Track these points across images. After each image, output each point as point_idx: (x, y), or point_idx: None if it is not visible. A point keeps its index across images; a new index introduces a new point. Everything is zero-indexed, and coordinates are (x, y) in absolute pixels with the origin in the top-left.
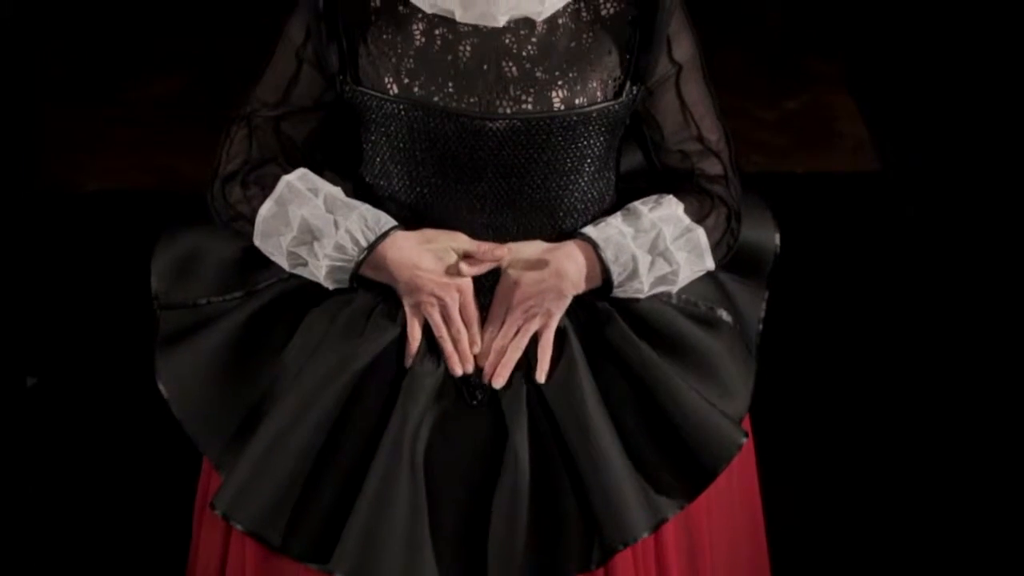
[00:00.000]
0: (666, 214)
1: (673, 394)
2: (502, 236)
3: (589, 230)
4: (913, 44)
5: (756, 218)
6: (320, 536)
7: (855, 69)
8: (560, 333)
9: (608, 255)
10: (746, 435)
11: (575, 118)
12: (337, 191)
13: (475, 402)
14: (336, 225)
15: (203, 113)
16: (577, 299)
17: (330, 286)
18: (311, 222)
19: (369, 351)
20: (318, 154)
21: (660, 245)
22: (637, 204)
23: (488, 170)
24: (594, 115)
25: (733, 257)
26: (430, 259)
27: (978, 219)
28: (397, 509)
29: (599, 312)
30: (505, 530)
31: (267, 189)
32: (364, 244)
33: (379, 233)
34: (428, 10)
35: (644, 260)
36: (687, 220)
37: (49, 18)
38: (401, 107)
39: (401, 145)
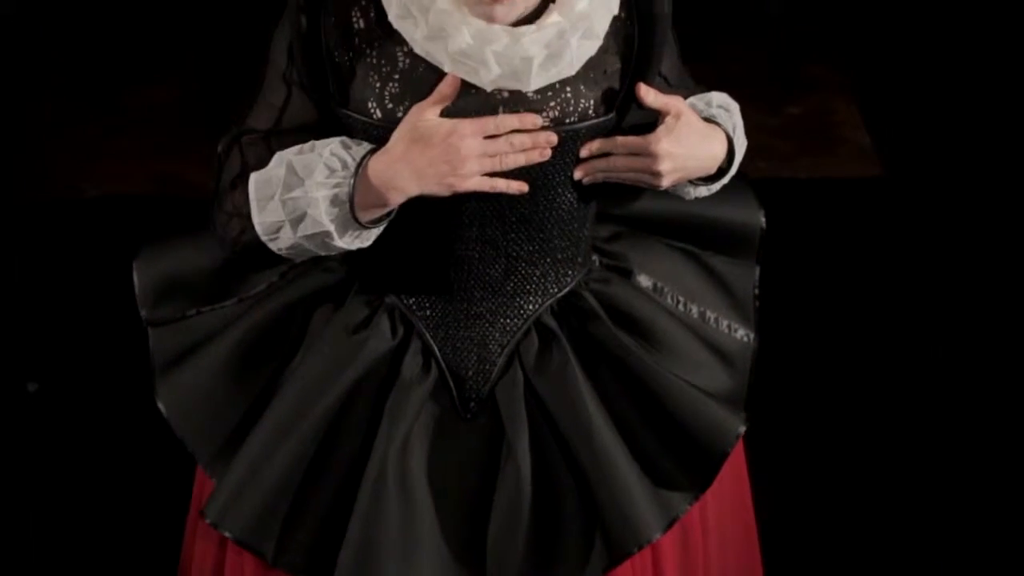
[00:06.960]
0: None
1: (665, 386)
2: (492, 249)
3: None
4: (916, 50)
5: (739, 198)
6: (312, 550)
7: (858, 75)
8: (548, 332)
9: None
10: (746, 420)
11: (564, 135)
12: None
13: (468, 415)
14: (319, 155)
15: (203, 119)
16: (562, 299)
17: (336, 231)
18: (295, 164)
19: (363, 360)
20: None
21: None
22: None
23: None
24: (583, 131)
25: (721, 237)
26: (422, 147)
27: (980, 224)
28: (390, 526)
29: (584, 310)
30: (505, 538)
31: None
32: (352, 161)
33: (363, 153)
34: (490, 88)
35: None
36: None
37: (50, 24)
38: (385, 132)
39: None
